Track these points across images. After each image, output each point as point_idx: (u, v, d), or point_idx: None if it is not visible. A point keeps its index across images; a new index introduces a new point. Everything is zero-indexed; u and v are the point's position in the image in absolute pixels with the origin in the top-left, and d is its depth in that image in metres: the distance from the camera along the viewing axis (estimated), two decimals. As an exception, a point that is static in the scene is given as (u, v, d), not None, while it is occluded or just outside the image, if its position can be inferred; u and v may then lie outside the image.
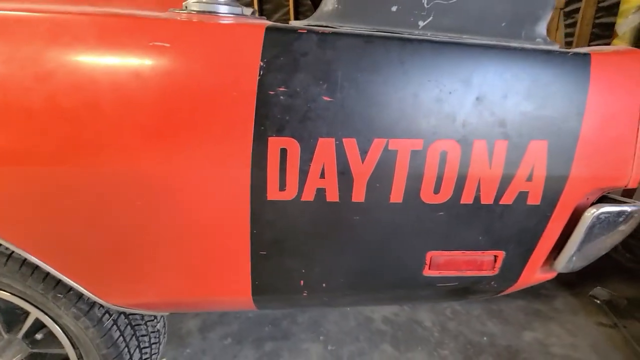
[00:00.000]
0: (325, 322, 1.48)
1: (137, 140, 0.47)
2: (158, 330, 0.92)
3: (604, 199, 0.53)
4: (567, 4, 2.54)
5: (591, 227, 0.50)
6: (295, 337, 1.41)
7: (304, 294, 0.59)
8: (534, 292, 1.69)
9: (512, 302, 1.61)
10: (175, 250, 0.55)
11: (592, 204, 0.52)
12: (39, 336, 0.86)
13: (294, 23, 0.52)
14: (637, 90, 0.46)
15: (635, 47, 1.76)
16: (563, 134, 0.47)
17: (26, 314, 0.82)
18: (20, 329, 0.84)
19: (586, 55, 0.47)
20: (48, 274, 0.66)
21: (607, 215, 0.50)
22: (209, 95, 0.46)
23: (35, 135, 0.47)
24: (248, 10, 0.55)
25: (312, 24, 0.52)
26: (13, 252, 0.67)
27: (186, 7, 0.54)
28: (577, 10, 2.36)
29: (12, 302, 0.77)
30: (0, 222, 0.57)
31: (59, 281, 0.69)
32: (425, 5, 0.50)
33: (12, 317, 0.87)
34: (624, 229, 0.52)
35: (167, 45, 0.45)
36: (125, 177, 0.49)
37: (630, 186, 0.50)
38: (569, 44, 2.45)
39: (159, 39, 0.45)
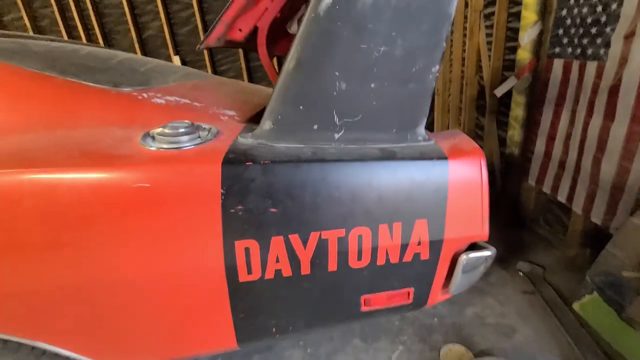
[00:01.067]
0: (303, 329, 1.68)
1: (140, 251, 0.63)
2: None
3: (473, 246, 0.76)
4: (485, 7, 2.83)
5: (465, 266, 0.73)
6: (278, 347, 1.61)
7: (276, 336, 0.78)
8: (475, 271, 2.00)
9: (457, 284, 1.92)
10: (177, 323, 0.71)
11: (466, 249, 0.75)
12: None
13: (241, 140, 0.68)
14: (476, 179, 0.69)
15: (534, 56, 2.06)
16: (435, 213, 0.69)
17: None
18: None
19: (445, 160, 0.68)
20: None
21: (473, 258, 0.74)
22: (190, 213, 0.62)
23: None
24: (204, 129, 0.71)
25: (255, 142, 0.68)
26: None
27: (153, 137, 0.68)
28: (494, 13, 2.64)
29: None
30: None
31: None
32: (337, 123, 0.68)
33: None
34: (486, 264, 0.76)
35: (148, 185, 0.60)
36: (129, 281, 0.64)
37: (483, 239, 0.73)
38: (489, 43, 2.73)
39: (140, 181, 0.60)
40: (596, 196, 1.72)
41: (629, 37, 1.47)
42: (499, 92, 2.28)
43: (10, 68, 0.82)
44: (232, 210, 0.62)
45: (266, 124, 0.69)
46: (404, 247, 0.70)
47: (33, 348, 0.79)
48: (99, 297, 0.66)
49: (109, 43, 3.90)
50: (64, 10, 3.75)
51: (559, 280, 1.85)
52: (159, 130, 0.69)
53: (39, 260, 0.62)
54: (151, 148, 0.67)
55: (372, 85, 0.67)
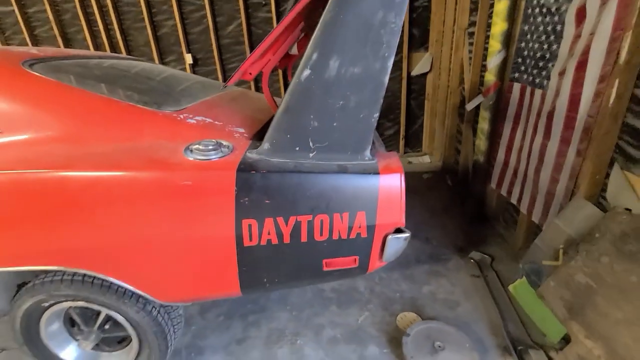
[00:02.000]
0: (290, 296, 2.08)
1: (185, 222, 1.02)
2: (180, 315, 1.46)
3: (397, 230, 1.14)
4: (469, 25, 3.15)
5: (390, 242, 1.11)
6: (270, 309, 2.01)
7: (267, 285, 1.16)
8: (438, 258, 2.39)
9: (421, 267, 2.31)
10: (200, 271, 1.10)
11: (393, 232, 1.13)
12: (107, 326, 1.38)
13: (248, 155, 1.06)
14: (397, 187, 1.07)
15: (499, 78, 2.40)
16: (370, 207, 1.06)
17: (97, 313, 1.33)
18: (95, 323, 1.35)
19: (378, 174, 1.05)
20: (121, 288, 1.18)
21: (396, 237, 1.11)
22: (215, 200, 1.01)
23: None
24: (225, 145, 1.08)
25: (257, 157, 1.05)
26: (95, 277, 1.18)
27: (191, 150, 1.05)
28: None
29: (91, 308, 1.28)
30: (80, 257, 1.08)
31: (126, 291, 1.21)
32: (311, 147, 1.05)
33: (85, 317, 1.38)
34: (405, 243, 1.14)
35: (190, 183, 0.97)
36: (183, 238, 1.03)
37: (402, 225, 1.11)
38: (472, 59, 3.05)
39: (186, 180, 0.97)
40: (536, 200, 2.10)
41: (561, 74, 1.82)
42: (469, 106, 2.63)
43: (88, 95, 1.19)
44: (242, 200, 1.00)
45: (265, 145, 1.06)
46: (350, 229, 1.07)
47: (103, 283, 1.19)
48: (158, 251, 1.05)
49: (126, 38, 4.21)
50: (85, 6, 4.06)
51: (504, 268, 2.24)
52: (195, 146, 1.06)
53: (129, 226, 1.01)
54: (190, 158, 1.05)
55: (335, 124, 1.03)
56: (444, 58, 3.72)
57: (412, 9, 3.85)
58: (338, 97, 1.00)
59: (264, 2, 3.96)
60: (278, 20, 3.99)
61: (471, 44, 3.09)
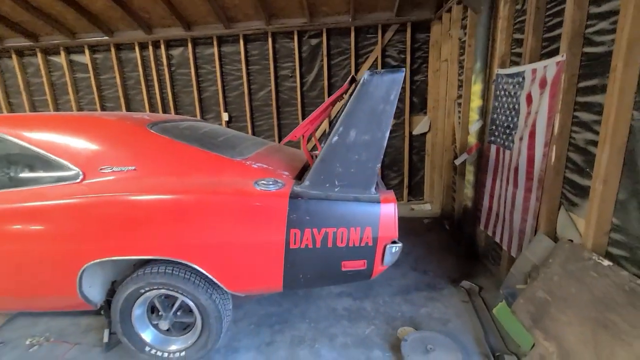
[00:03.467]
0: (308, 312, 2.50)
1: (254, 230, 1.57)
2: (230, 308, 1.93)
3: (394, 242, 1.65)
4: (458, 97, 3.88)
5: (388, 249, 1.62)
6: (292, 321, 2.42)
7: (302, 281, 1.66)
8: (434, 287, 2.81)
9: (419, 294, 2.72)
10: (258, 267, 1.61)
11: (391, 242, 1.64)
12: (179, 312, 1.85)
13: (295, 188, 1.63)
14: (391, 211, 1.61)
15: (479, 140, 3.03)
16: (374, 225, 1.59)
17: (174, 301, 1.82)
18: (171, 309, 1.83)
19: (379, 203, 1.61)
20: (203, 277, 1.68)
21: (392, 246, 1.62)
22: (273, 215, 1.56)
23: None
24: (279, 182, 1.67)
25: (301, 189, 1.63)
26: (180, 270, 1.69)
27: (258, 184, 1.64)
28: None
29: (170, 296, 1.78)
30: (185, 251, 1.60)
31: (201, 281, 1.70)
32: (337, 184, 1.62)
33: (164, 305, 1.86)
34: (398, 251, 1.64)
35: (259, 204, 1.54)
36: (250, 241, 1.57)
37: (395, 237, 1.62)
38: (460, 124, 3.72)
39: (256, 202, 1.54)
40: (512, 237, 2.58)
41: (520, 139, 2.43)
42: (457, 161, 3.23)
43: (189, 147, 1.83)
44: (291, 216, 1.55)
45: (306, 182, 1.64)
46: (361, 239, 1.59)
47: (185, 274, 1.70)
48: (233, 251, 1.58)
49: (175, 99, 5.12)
50: (146, 74, 5.04)
51: (489, 296, 2.64)
52: (261, 181, 1.65)
53: (218, 231, 1.56)
54: (258, 189, 1.63)
55: (352, 170, 1.61)
56: (440, 121, 4.44)
57: (412, 82, 4.68)
58: (355, 153, 1.60)
59: (290, 75, 4.87)
60: (301, 89, 4.85)
61: (460, 111, 3.79)
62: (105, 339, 2.17)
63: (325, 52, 4.68)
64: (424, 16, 4.36)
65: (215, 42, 4.77)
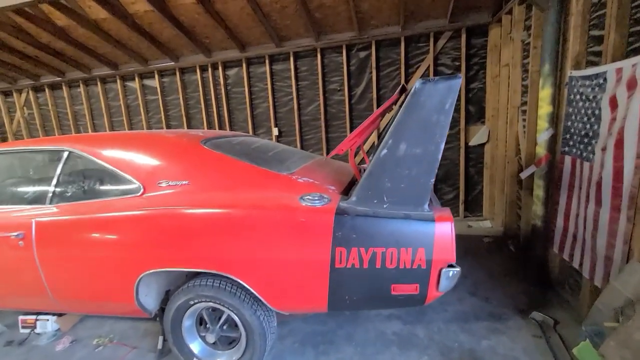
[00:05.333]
0: (355, 334, 2.37)
1: (299, 245, 1.53)
2: (275, 326, 1.89)
3: (450, 266, 1.47)
4: (522, 104, 3.53)
5: (444, 274, 1.45)
6: (337, 343, 2.31)
7: (347, 303, 1.56)
8: (497, 316, 2.50)
9: (479, 323, 2.44)
10: (303, 285, 1.55)
11: (448, 266, 1.46)
12: (225, 326, 1.86)
13: (341, 204, 1.56)
14: (448, 231, 1.45)
15: (549, 151, 2.69)
16: (428, 246, 1.44)
17: (220, 314, 1.83)
18: (218, 322, 1.84)
19: (433, 221, 1.46)
20: (248, 292, 1.67)
21: (449, 271, 1.45)
22: (319, 232, 1.50)
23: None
24: (325, 197, 1.61)
25: (347, 205, 1.55)
26: (228, 283, 1.70)
27: (304, 199, 1.60)
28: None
29: (218, 310, 1.79)
30: (230, 265, 1.60)
31: (246, 297, 1.69)
32: (385, 200, 1.52)
33: (211, 318, 1.89)
34: (456, 276, 1.46)
35: (304, 220, 1.50)
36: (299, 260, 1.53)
37: (452, 261, 1.45)
38: (525, 133, 3.37)
39: (302, 218, 1.50)
40: (596, 264, 2.20)
41: (603, 149, 2.09)
42: (523, 175, 2.90)
43: (238, 162, 1.86)
44: (336, 234, 1.47)
45: (353, 197, 1.56)
46: (413, 261, 1.45)
47: (232, 289, 1.70)
48: (277, 267, 1.55)
49: (230, 117, 5.41)
50: (205, 94, 5.42)
51: (568, 332, 2.26)
52: (307, 197, 1.61)
53: (262, 246, 1.55)
54: (303, 204, 1.59)
55: (402, 185, 1.50)
56: (500, 131, 4.07)
57: (468, 90, 4.40)
58: (405, 168, 1.49)
59: (338, 89, 4.88)
60: (350, 102, 4.83)
61: (525, 119, 3.44)
62: (159, 346, 2.27)
63: (374, 64, 4.62)
64: (481, 20, 4.10)
65: (267, 61, 4.98)
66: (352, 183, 2.01)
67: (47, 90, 6.23)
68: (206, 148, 1.93)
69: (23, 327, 2.68)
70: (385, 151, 1.49)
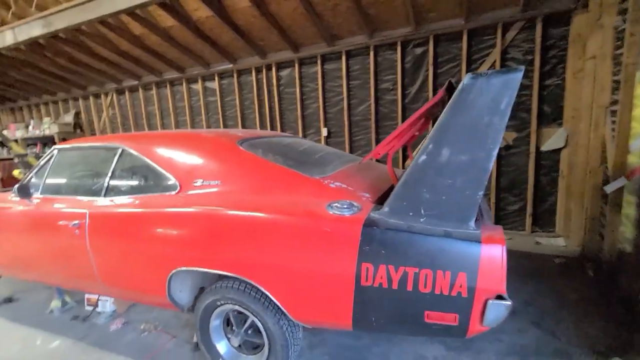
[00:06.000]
0: (390, 355, 2.17)
1: (321, 256, 1.41)
2: (300, 338, 1.80)
3: (499, 297, 1.21)
4: (611, 104, 2.95)
5: (490, 306, 1.20)
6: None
7: (374, 325, 1.40)
8: (566, 356, 2.10)
9: (542, 362, 2.07)
10: (325, 299, 1.44)
11: (496, 298, 1.21)
12: (249, 331, 1.83)
13: (372, 214, 1.41)
14: (498, 257, 1.20)
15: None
16: (471, 271, 1.21)
17: (246, 318, 1.79)
18: (243, 326, 1.81)
19: (479, 243, 1.22)
20: (271, 300, 1.60)
21: (497, 304, 1.19)
22: (344, 245, 1.37)
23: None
24: (355, 206, 1.47)
25: (378, 216, 1.39)
26: (252, 288, 1.65)
27: (331, 207, 1.48)
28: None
29: (243, 314, 1.75)
30: (251, 271, 1.54)
31: (270, 304, 1.63)
32: (422, 213, 1.32)
33: (237, 320, 1.86)
34: (506, 311, 1.19)
35: (329, 230, 1.38)
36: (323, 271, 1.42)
37: (502, 292, 1.18)
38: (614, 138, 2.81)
39: (327, 227, 1.38)
40: None
41: None
42: (609, 189, 2.40)
43: (270, 164, 1.80)
44: (364, 248, 1.33)
45: (386, 208, 1.40)
46: (451, 286, 1.24)
47: (256, 294, 1.64)
48: (298, 277, 1.46)
49: (281, 117, 5.49)
50: (259, 94, 5.58)
51: (664, 390, 1.80)
52: (335, 204, 1.49)
53: (284, 254, 1.47)
54: (330, 212, 1.47)
55: (443, 197, 1.29)
56: (582, 135, 3.47)
57: (542, 87, 3.84)
58: (447, 177, 1.28)
59: (391, 88, 4.63)
60: (403, 101, 4.56)
61: (615, 121, 2.87)
62: (195, 339, 2.33)
63: (431, 61, 4.29)
64: (562, 7, 3.54)
65: (319, 61, 4.94)
66: (390, 191, 1.83)
67: (126, 92, 6.99)
68: (241, 148, 1.92)
69: (88, 305, 2.99)
70: (424, 157, 1.30)
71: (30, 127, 7.90)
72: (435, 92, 4.34)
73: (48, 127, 7.56)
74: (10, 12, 4.76)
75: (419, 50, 4.39)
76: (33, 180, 2.45)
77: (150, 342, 2.47)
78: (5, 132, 7.75)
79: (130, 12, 4.18)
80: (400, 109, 4.57)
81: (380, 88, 4.70)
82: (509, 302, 1.20)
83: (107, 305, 2.93)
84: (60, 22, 4.26)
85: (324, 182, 1.70)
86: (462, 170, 1.26)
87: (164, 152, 1.98)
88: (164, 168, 1.92)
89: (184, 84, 6.23)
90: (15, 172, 6.09)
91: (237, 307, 1.74)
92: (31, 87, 7.66)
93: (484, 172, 1.23)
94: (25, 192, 2.25)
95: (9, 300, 3.26)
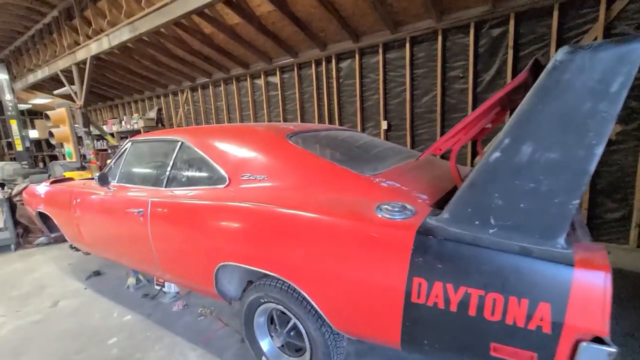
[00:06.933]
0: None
1: (366, 265, 1.26)
2: (344, 347, 1.67)
3: (597, 339, 0.91)
4: None
5: (584, 351, 0.90)
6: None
7: (426, 349, 1.20)
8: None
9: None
10: (370, 312, 1.28)
11: (592, 340, 0.91)
12: (292, 333, 1.76)
13: (428, 220, 1.20)
14: (599, 286, 0.89)
15: None
16: (558, 303, 0.92)
17: (288, 319, 1.72)
18: (286, 327, 1.75)
19: (571, 267, 0.92)
20: (314, 306, 1.50)
21: (593, 348, 0.89)
22: (393, 253, 1.19)
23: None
24: (408, 209, 1.27)
25: (436, 223, 1.17)
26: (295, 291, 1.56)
27: (381, 209, 1.30)
28: None
29: (286, 314, 1.68)
30: (292, 271, 1.45)
31: (312, 308, 1.53)
32: (492, 223, 1.07)
33: (281, 320, 1.80)
34: (610, 359, 0.88)
35: (377, 235, 1.22)
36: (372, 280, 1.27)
37: (603, 335, 0.87)
38: None
39: (374, 233, 1.22)
40: None
41: None
42: None
43: (318, 159, 1.68)
44: (416, 259, 1.13)
45: (445, 214, 1.17)
46: (528, 318, 0.98)
47: (298, 296, 1.55)
48: (340, 284, 1.33)
49: (340, 110, 5.36)
50: (318, 87, 5.51)
51: None
52: (385, 206, 1.31)
53: (326, 257, 1.35)
54: (379, 215, 1.30)
55: (521, 205, 1.03)
56: None
57: (663, 68, 3.06)
58: (528, 180, 1.01)
59: (461, 75, 4.17)
60: (474, 90, 4.07)
61: None
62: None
63: (510, 43, 3.74)
64: (701, -39, 2.75)
65: (380, 50, 4.68)
66: (452, 193, 1.58)
67: (199, 90, 7.54)
68: (289, 142, 1.84)
69: (156, 284, 3.26)
70: (497, 154, 1.05)
71: (123, 122, 9.05)
72: (515, 76, 3.78)
73: (136, 122, 8.57)
74: (106, 20, 5.41)
75: (496, 32, 3.85)
76: (111, 169, 2.71)
77: (204, 327, 2.58)
78: (104, 127, 9.00)
79: (200, 12, 4.42)
80: (470, 98, 4.10)
81: (448, 76, 4.27)
82: (612, 349, 0.90)
83: (172, 286, 3.16)
84: (144, 26, 4.69)
85: (375, 181, 1.53)
86: (549, 172, 0.98)
87: (216, 145, 2.00)
88: (215, 161, 1.94)
89: (248, 79, 6.47)
90: (109, 162, 7.02)
91: (280, 307, 1.68)
92: (124, 86, 8.74)
93: (582, 176, 0.94)
94: (104, 180, 2.49)
95: (97, 273, 3.73)
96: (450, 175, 1.88)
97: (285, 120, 6.15)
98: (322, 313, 1.42)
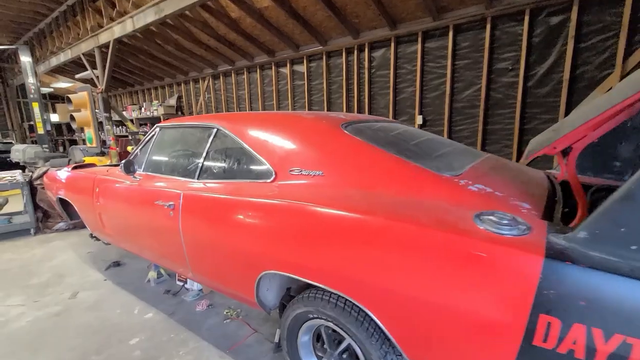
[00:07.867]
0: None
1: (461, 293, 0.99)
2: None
3: None
4: None
5: None
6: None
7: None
8: None
9: None
10: (466, 350, 1.02)
11: None
12: (344, 355, 1.51)
13: (554, 239, 0.92)
14: None
15: None
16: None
17: (341, 339, 1.47)
18: (337, 348, 1.50)
19: None
20: (378, 327, 1.24)
21: None
22: (510, 284, 0.92)
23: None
24: (521, 223, 0.99)
25: (568, 244, 0.89)
26: (353, 309, 1.31)
27: (481, 219, 1.03)
28: None
29: (338, 333, 1.43)
30: (356, 288, 1.19)
31: (383, 335, 1.27)
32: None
33: (330, 339, 1.56)
34: None
35: (485, 255, 0.94)
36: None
37: None
38: None
39: (479, 251, 0.95)
40: None
41: None
42: None
43: (385, 155, 1.41)
44: (545, 292, 0.86)
45: (581, 233, 0.89)
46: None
47: (358, 316, 1.30)
48: (424, 309, 1.06)
49: (370, 102, 5.05)
50: (348, 78, 5.21)
51: None
52: (488, 217, 1.03)
53: (402, 274, 1.09)
54: (481, 227, 1.02)
55: None
56: None
57: None
58: None
59: (510, 67, 3.81)
60: (525, 84, 3.71)
61: None
62: (276, 339, 2.13)
63: (572, 32, 3.36)
64: None
65: (419, 38, 4.34)
66: (552, 201, 1.29)
67: (221, 77, 7.33)
68: (347, 133, 1.57)
69: (178, 280, 3.08)
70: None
71: (142, 109, 8.95)
72: (574, 73, 3.41)
73: (156, 109, 8.44)
74: (131, 2, 5.22)
75: (554, 20, 3.48)
76: (137, 156, 2.51)
77: (231, 331, 2.37)
78: (124, 113, 8.91)
79: (230, -8, 4.17)
80: (520, 93, 3.74)
81: (495, 68, 3.92)
82: None
83: (195, 283, 2.97)
84: (170, 7, 4.48)
85: (460, 183, 1.25)
86: None
87: (259, 134, 1.76)
88: (258, 152, 1.69)
89: (273, 67, 6.21)
90: (129, 148, 6.90)
91: (331, 324, 1.43)
92: (145, 72, 8.61)
93: None
94: (129, 168, 2.29)
95: (117, 264, 3.58)
96: (532, 178, 1.59)
97: (310, 110, 5.89)
98: (394, 342, 1.16)
